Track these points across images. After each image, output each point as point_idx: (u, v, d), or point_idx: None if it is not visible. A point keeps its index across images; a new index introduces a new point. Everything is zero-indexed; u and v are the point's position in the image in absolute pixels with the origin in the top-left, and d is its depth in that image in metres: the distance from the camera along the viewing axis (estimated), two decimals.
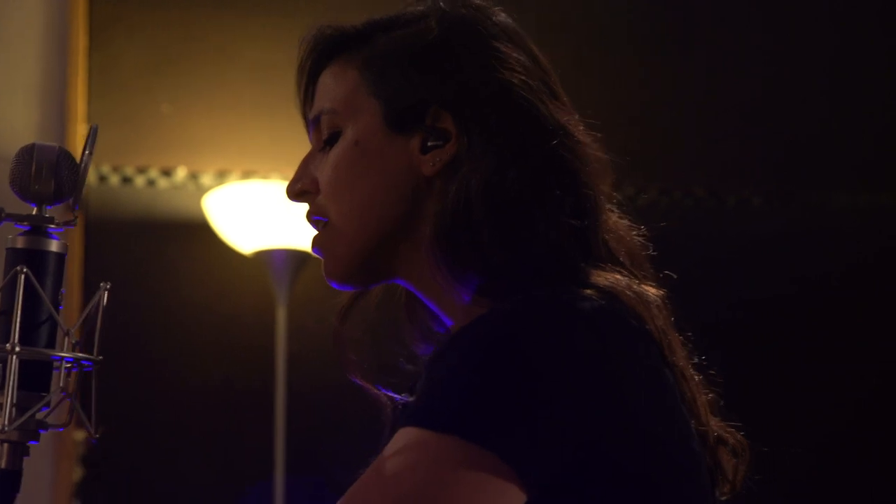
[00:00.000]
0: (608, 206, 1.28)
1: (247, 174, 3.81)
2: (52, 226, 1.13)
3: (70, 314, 3.10)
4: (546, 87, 1.27)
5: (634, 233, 1.30)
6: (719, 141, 4.06)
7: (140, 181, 3.81)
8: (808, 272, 3.99)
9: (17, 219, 1.13)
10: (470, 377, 1.08)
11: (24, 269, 1.10)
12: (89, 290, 3.54)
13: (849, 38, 4.07)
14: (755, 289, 3.96)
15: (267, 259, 3.61)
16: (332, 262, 1.29)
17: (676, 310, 1.25)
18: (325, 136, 1.30)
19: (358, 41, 1.30)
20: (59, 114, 3.67)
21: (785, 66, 4.06)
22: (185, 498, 3.75)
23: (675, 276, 1.29)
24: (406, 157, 1.26)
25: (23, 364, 1.09)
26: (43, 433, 1.13)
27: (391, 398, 1.34)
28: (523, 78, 1.25)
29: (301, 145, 1.35)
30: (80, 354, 1.12)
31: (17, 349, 1.09)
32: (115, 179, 3.78)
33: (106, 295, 1.14)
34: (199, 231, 3.71)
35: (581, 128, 1.28)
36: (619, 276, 1.20)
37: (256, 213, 3.57)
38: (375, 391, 1.34)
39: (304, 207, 1.32)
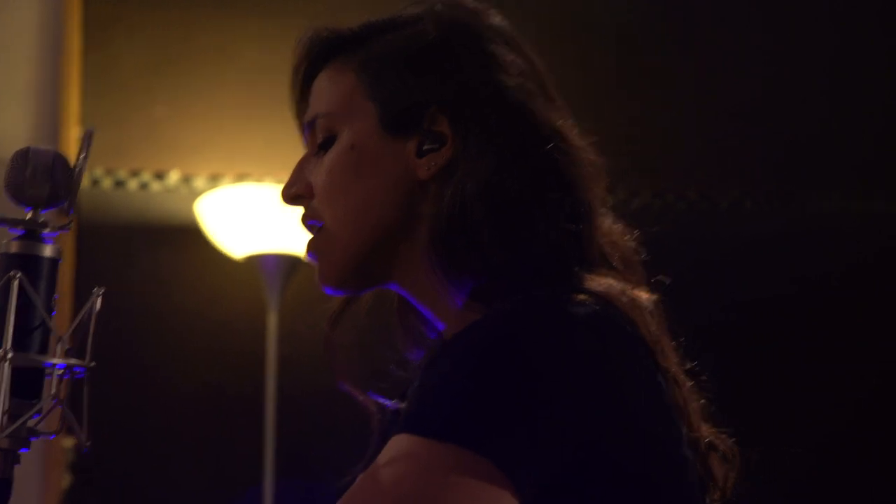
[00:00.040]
0: (602, 210, 1.28)
1: (240, 178, 3.80)
2: (47, 230, 1.12)
3: (60, 319, 3.09)
4: (542, 90, 1.27)
5: (628, 237, 1.30)
6: (712, 144, 4.06)
7: (133, 184, 3.80)
8: (801, 274, 3.99)
9: (11, 223, 1.12)
10: (465, 383, 1.08)
11: (18, 275, 1.09)
12: (80, 294, 3.52)
13: (845, 40, 4.08)
14: (748, 291, 3.96)
15: (258, 264, 3.61)
16: (326, 267, 1.28)
17: (670, 313, 1.25)
18: (320, 140, 1.29)
19: (354, 44, 1.30)
20: (52, 116, 3.66)
21: (779, 69, 4.06)
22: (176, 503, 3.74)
23: (667, 281, 1.29)
24: (402, 161, 1.25)
25: (15, 370, 1.08)
26: (34, 440, 1.11)
27: (381, 404, 1.33)
28: (520, 81, 1.25)
29: (295, 149, 1.35)
30: (73, 361, 1.11)
31: (10, 355, 1.07)
32: (107, 183, 3.77)
33: (99, 301, 1.13)
34: (192, 235, 3.70)
35: (576, 131, 1.28)
36: (612, 281, 1.20)
37: (249, 217, 3.56)
38: (364, 398, 1.34)
39: (298, 211, 1.31)
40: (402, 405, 1.29)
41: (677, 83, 4.05)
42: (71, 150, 3.38)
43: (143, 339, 3.73)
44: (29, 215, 1.12)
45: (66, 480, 3.60)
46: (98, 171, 3.74)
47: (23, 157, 1.12)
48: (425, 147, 1.25)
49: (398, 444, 1.07)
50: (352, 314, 1.35)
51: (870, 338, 4.00)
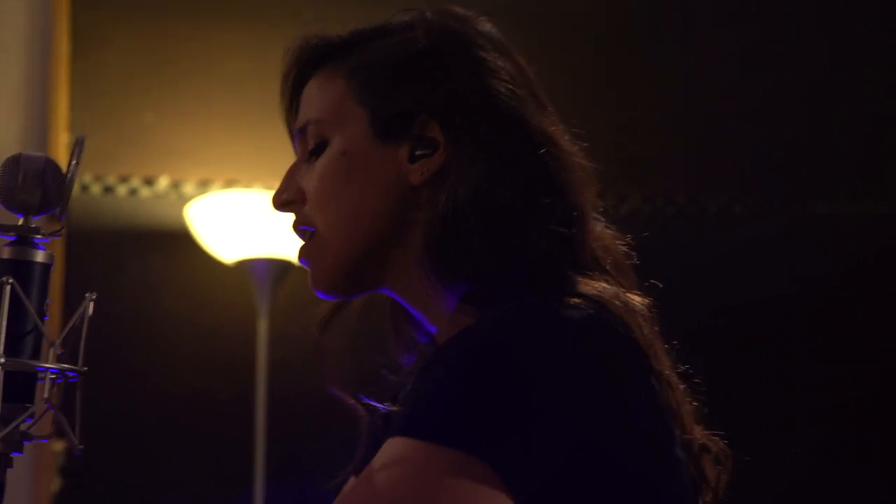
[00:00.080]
0: (594, 215, 1.28)
1: (229, 183, 3.80)
2: (39, 236, 1.13)
3: (50, 324, 3.09)
4: (532, 97, 1.28)
5: (619, 242, 1.30)
6: (701, 148, 4.06)
7: (122, 190, 3.80)
8: (790, 277, 4.00)
9: (3, 229, 1.12)
10: (459, 387, 1.08)
11: (10, 280, 1.09)
12: (70, 299, 3.52)
13: (833, 46, 4.08)
14: (737, 295, 3.97)
15: (249, 268, 3.61)
16: (319, 273, 1.28)
17: (660, 317, 1.25)
18: (311, 146, 1.29)
19: (343, 51, 1.30)
20: (41, 123, 3.66)
21: (767, 75, 4.07)
22: None
23: (660, 285, 1.30)
24: (394, 167, 1.26)
25: (7, 375, 1.09)
26: (26, 444, 1.12)
27: (372, 408, 1.33)
28: (511, 87, 1.26)
29: (284, 155, 1.35)
30: (65, 365, 1.11)
31: (2, 360, 1.08)
32: (96, 188, 3.77)
33: (91, 305, 1.13)
34: (181, 240, 3.70)
35: (567, 137, 1.28)
36: (605, 285, 1.20)
37: (238, 222, 3.57)
38: (352, 402, 1.34)
39: (289, 217, 1.32)
40: (394, 408, 1.29)
41: (666, 88, 4.06)
42: (60, 157, 3.38)
43: (133, 345, 3.73)
44: (21, 221, 1.13)
45: (55, 484, 3.59)
46: (87, 177, 3.74)
47: (14, 163, 1.13)
48: (417, 153, 1.25)
49: (393, 447, 1.07)
50: (342, 319, 1.35)
51: (870, 338, 4.01)
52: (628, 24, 4.07)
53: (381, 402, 1.33)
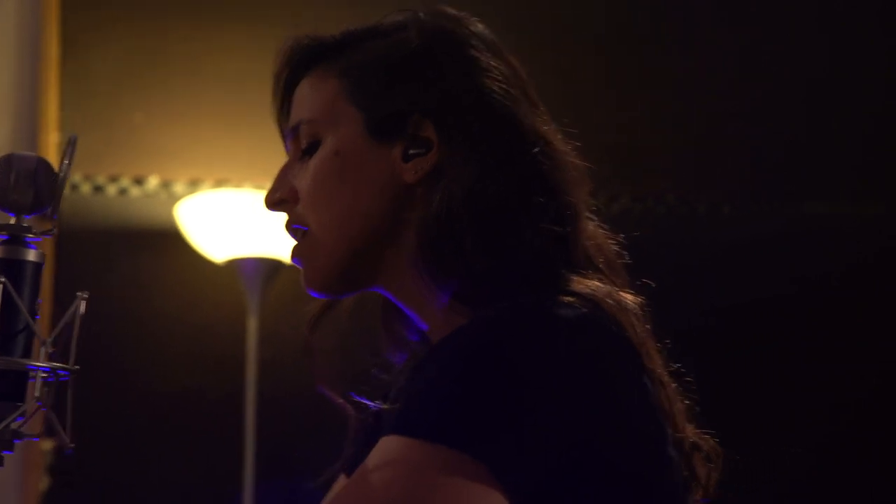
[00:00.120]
0: (587, 214, 1.29)
1: (219, 183, 3.80)
2: (30, 235, 1.13)
3: (40, 323, 3.09)
4: (525, 96, 1.28)
5: (611, 241, 1.31)
6: (690, 148, 4.07)
7: (112, 190, 3.80)
8: (790, 277, 4.01)
9: None
10: (453, 385, 1.08)
11: (2, 279, 1.09)
12: (59, 299, 3.52)
13: (833, 46, 4.09)
14: (727, 295, 3.97)
15: (238, 268, 3.61)
16: (312, 272, 1.29)
17: (653, 316, 1.26)
18: (303, 146, 1.29)
19: (336, 51, 1.30)
20: (31, 123, 3.66)
21: (767, 75, 4.07)
22: None
23: (653, 284, 1.30)
24: (387, 166, 1.26)
25: None
26: (17, 443, 1.12)
27: (362, 405, 1.34)
28: (504, 86, 1.26)
29: (274, 154, 1.35)
30: (57, 364, 1.11)
31: None
32: (86, 188, 3.77)
33: (83, 304, 1.13)
34: (172, 240, 3.71)
35: (559, 136, 1.29)
36: (599, 284, 1.21)
37: (228, 221, 3.57)
38: (341, 402, 1.34)
39: (280, 217, 1.32)
40: (384, 406, 1.29)
41: (656, 88, 4.06)
42: (50, 157, 3.37)
43: (123, 344, 3.73)
44: (13, 221, 1.13)
45: (44, 483, 3.59)
46: (77, 177, 3.74)
47: (6, 163, 1.13)
48: (411, 152, 1.25)
49: (387, 445, 1.08)
50: (332, 318, 1.35)
51: (870, 338, 4.02)
52: (619, 25, 4.08)
53: (372, 401, 1.34)
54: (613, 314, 1.17)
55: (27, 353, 1.11)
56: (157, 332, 3.79)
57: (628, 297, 1.23)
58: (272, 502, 3.63)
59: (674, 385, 1.24)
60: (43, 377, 1.11)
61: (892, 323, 4.06)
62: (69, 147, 1.14)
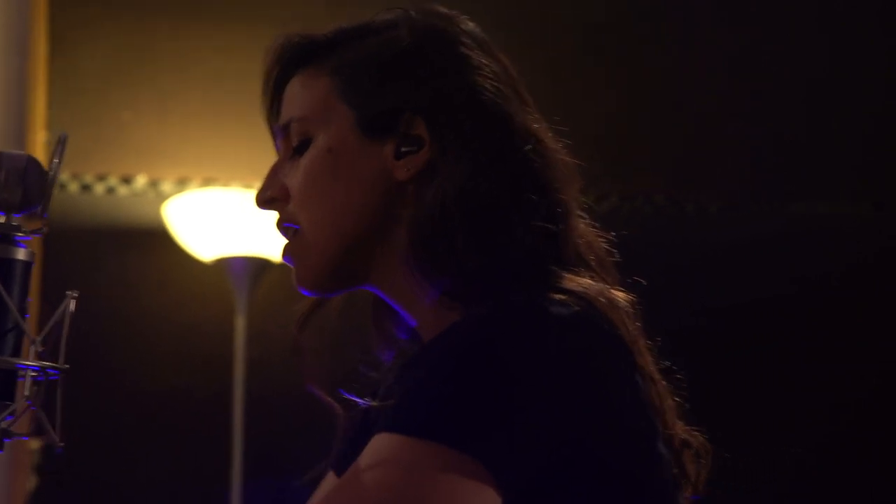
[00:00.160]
0: (577, 211, 1.29)
1: (207, 181, 3.80)
2: (20, 234, 1.13)
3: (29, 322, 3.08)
4: (516, 94, 1.28)
5: (601, 239, 1.31)
6: (679, 148, 4.07)
7: (100, 188, 3.79)
8: (790, 277, 4.02)
9: None
10: (445, 383, 1.09)
11: None
12: (47, 297, 3.52)
13: (833, 46, 4.09)
14: (717, 295, 3.98)
15: (226, 266, 3.61)
16: (303, 270, 1.28)
17: (649, 314, 1.26)
18: (295, 144, 1.29)
19: (327, 49, 1.30)
20: (19, 121, 3.65)
21: (767, 75, 4.08)
22: None
23: (644, 283, 1.30)
24: (379, 164, 1.26)
25: None
26: (6, 442, 1.12)
27: (352, 403, 1.34)
28: (495, 84, 1.26)
29: (263, 153, 1.35)
30: (47, 363, 1.11)
31: None
32: (74, 187, 3.77)
33: (73, 303, 1.13)
34: (159, 239, 3.70)
35: (550, 134, 1.29)
36: (590, 282, 1.21)
37: (216, 220, 3.57)
38: (329, 401, 1.34)
39: (271, 215, 1.32)
40: (374, 404, 1.30)
41: (645, 87, 4.07)
42: (38, 155, 3.37)
43: (111, 342, 3.73)
44: (2, 219, 1.13)
45: (32, 482, 3.59)
46: (65, 176, 3.74)
47: None
48: (403, 149, 1.25)
49: (380, 443, 1.08)
50: (321, 316, 1.35)
51: (870, 338, 4.03)
52: (608, 23, 4.08)
53: (361, 398, 1.34)
54: (605, 312, 1.18)
55: (17, 352, 1.11)
56: (144, 331, 3.78)
57: (619, 295, 1.23)
58: (260, 501, 3.62)
59: (664, 382, 1.24)
60: (32, 376, 1.11)
61: (892, 323, 4.07)
62: (59, 145, 1.13)
